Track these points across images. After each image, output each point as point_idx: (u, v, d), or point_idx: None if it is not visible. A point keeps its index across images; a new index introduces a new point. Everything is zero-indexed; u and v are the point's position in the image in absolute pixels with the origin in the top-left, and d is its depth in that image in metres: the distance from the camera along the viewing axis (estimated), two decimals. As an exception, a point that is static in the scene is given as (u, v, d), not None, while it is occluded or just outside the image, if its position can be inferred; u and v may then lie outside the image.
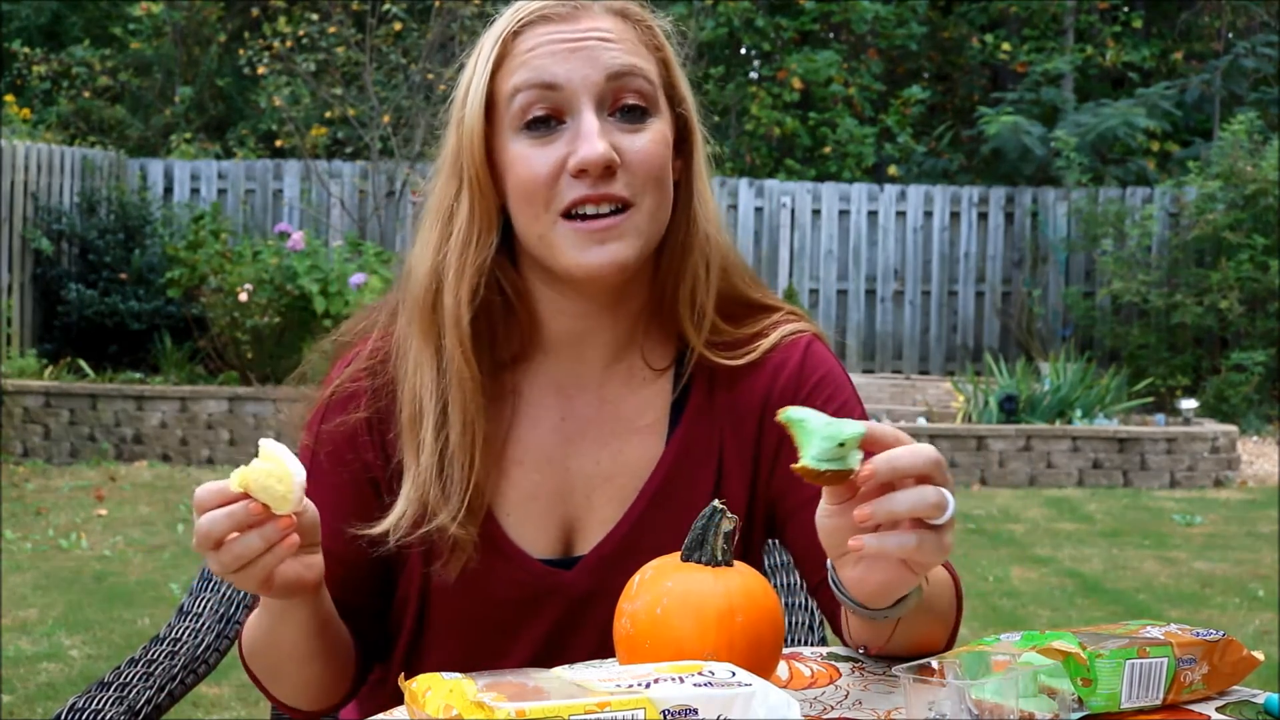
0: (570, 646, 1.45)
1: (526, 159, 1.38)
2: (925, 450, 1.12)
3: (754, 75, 14.04)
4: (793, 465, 1.13)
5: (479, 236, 1.40)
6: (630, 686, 1.01)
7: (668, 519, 1.43)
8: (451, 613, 1.46)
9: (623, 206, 1.38)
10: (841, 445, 1.12)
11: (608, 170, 1.36)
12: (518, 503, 1.46)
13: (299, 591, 1.29)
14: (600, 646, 1.37)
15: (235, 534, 1.20)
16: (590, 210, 1.37)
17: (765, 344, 1.49)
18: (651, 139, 1.39)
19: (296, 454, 1.50)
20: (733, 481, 1.48)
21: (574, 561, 1.45)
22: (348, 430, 1.45)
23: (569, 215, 1.37)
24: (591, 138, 1.35)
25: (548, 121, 1.38)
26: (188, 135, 12.36)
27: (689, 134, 1.46)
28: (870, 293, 11.76)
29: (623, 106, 1.39)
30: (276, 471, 1.19)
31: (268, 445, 1.20)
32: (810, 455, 1.12)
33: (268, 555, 1.21)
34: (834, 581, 1.24)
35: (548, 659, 1.42)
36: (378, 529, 1.42)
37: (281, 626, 1.35)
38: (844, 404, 1.48)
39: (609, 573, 1.40)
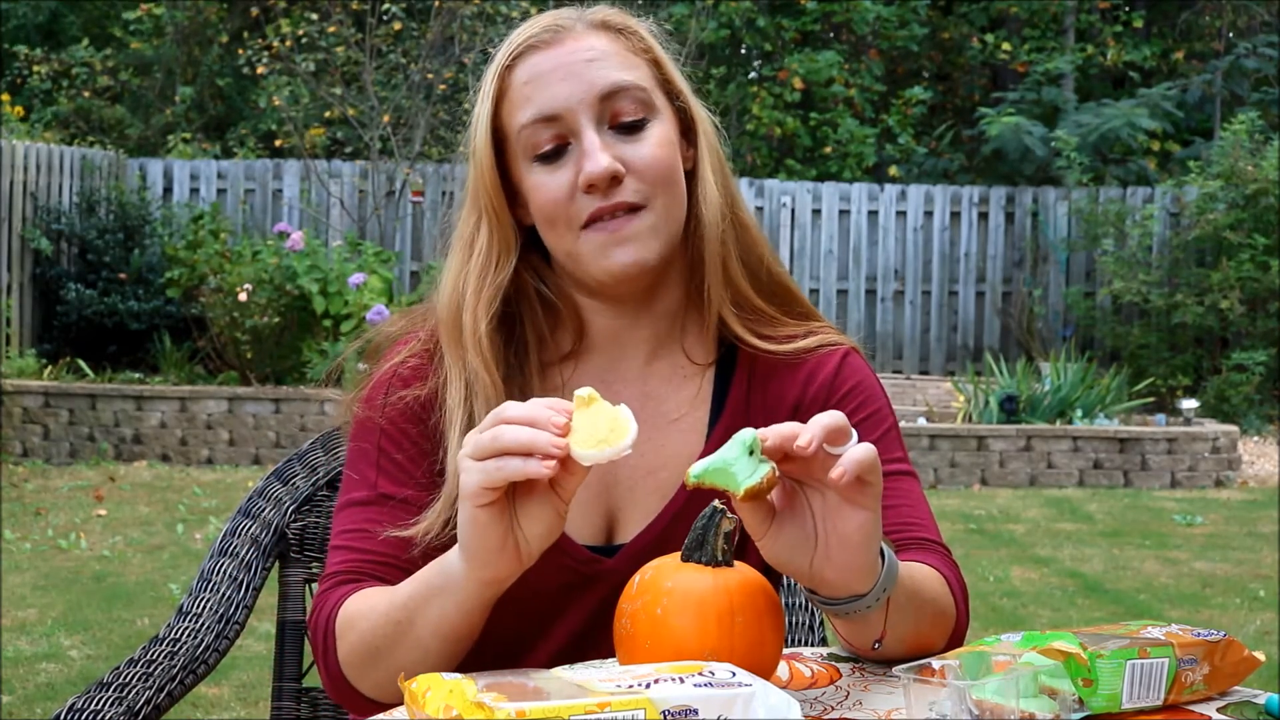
0: (607, 633, 1.46)
1: (543, 186, 1.45)
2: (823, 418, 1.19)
3: (755, 75, 14.04)
4: (688, 481, 1.16)
5: (497, 261, 1.48)
6: (630, 687, 1.01)
7: None
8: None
9: (634, 209, 1.44)
10: (750, 453, 1.16)
11: (614, 180, 1.43)
12: None
13: (549, 536, 1.27)
14: None
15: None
16: (606, 218, 1.45)
17: (803, 344, 1.53)
18: (655, 143, 1.46)
19: (351, 428, 1.51)
20: None
21: (615, 550, 1.49)
22: (415, 404, 1.49)
23: (587, 226, 1.45)
24: (594, 154, 1.42)
25: (556, 148, 1.45)
26: (187, 135, 12.36)
27: (693, 123, 1.52)
28: (870, 293, 11.76)
29: (621, 120, 1.45)
30: (612, 422, 1.19)
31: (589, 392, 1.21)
32: (742, 480, 1.15)
33: (529, 462, 1.19)
34: (814, 597, 1.26)
35: (585, 644, 1.46)
36: (419, 527, 1.43)
37: (459, 599, 1.31)
38: (874, 413, 1.52)
39: (649, 561, 1.42)
